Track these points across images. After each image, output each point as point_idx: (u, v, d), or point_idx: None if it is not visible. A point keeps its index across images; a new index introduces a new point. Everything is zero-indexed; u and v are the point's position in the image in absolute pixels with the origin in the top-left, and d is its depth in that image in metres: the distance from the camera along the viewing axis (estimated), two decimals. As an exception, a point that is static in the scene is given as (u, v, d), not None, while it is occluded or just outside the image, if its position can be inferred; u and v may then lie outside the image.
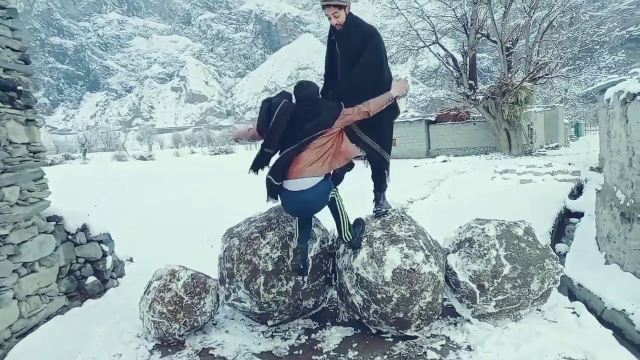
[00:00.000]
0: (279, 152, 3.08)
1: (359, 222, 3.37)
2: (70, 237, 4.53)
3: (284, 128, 2.99)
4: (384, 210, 3.44)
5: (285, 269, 3.30)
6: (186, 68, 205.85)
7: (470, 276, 3.15)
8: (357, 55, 3.15)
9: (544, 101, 30.22)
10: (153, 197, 12.91)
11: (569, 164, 13.80)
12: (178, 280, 3.39)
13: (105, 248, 4.77)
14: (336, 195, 3.21)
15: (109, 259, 4.75)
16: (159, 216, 9.60)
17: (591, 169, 13.75)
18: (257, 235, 3.39)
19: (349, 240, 3.22)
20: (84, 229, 4.66)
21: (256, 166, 3.17)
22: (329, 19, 3.20)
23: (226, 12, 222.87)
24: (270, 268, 3.27)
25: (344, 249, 3.33)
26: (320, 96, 3.22)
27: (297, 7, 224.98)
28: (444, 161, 20.05)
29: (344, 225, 3.23)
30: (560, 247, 6.16)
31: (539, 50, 20.73)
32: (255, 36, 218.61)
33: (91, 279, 4.58)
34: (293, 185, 2.98)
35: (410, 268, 2.97)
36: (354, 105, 3.08)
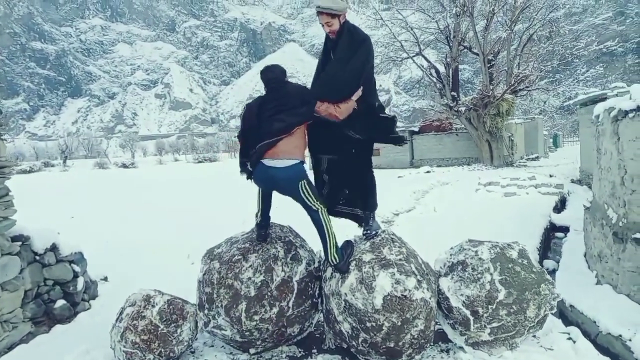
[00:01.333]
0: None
1: (347, 245, 3.20)
2: (37, 257, 4.22)
3: (254, 130, 3.03)
4: (373, 232, 3.26)
5: (269, 294, 3.10)
6: (170, 75, 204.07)
7: (464, 301, 3.01)
8: (348, 60, 3.05)
9: (523, 113, 30.77)
10: (133, 208, 12.53)
11: (550, 176, 13.92)
12: (153, 306, 3.16)
13: (77, 268, 4.47)
14: (322, 211, 3.04)
15: (81, 280, 4.46)
16: (138, 228, 9.26)
17: (572, 181, 13.91)
18: (239, 257, 3.20)
19: (335, 263, 3.04)
20: (53, 248, 4.36)
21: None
22: (322, 27, 3.08)
23: (211, 19, 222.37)
24: (252, 293, 3.07)
25: (332, 273, 3.15)
26: (287, 79, 3.20)
27: (282, 17, 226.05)
28: (428, 172, 20.06)
29: (330, 246, 3.05)
30: (548, 263, 6.10)
31: (519, 63, 21.05)
32: (240, 44, 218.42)
33: (60, 302, 4.28)
34: (268, 160, 2.96)
35: (402, 294, 2.80)
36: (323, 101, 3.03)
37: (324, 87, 3.10)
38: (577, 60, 22.57)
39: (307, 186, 3.01)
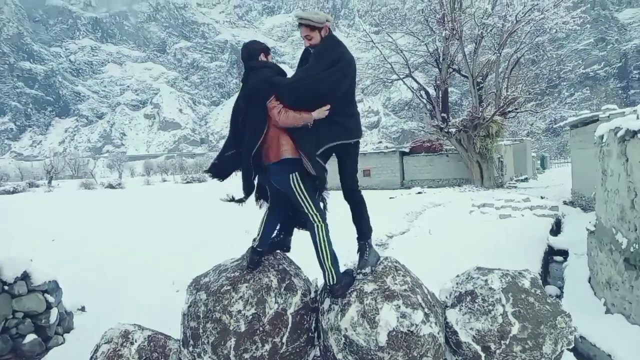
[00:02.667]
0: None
1: (347, 274, 2.95)
2: (6, 287, 3.86)
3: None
4: (368, 268, 2.90)
5: (261, 328, 2.82)
6: (160, 95, 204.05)
7: (474, 336, 2.75)
8: (318, 70, 2.77)
9: (511, 134, 31.10)
10: (117, 230, 12.09)
11: (541, 197, 13.86)
12: (132, 343, 2.85)
13: (51, 299, 4.11)
14: (319, 229, 2.81)
15: (54, 312, 4.09)
16: (121, 252, 8.86)
17: (565, 203, 13.86)
18: (228, 288, 2.92)
19: (332, 283, 2.81)
20: (25, 277, 4.00)
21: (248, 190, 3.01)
22: (303, 40, 2.87)
23: (202, 41, 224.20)
24: (242, 328, 2.78)
25: (330, 305, 2.89)
26: (260, 59, 2.95)
27: (273, 39, 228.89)
28: (419, 193, 19.95)
29: (325, 268, 2.82)
30: (550, 289, 5.87)
31: (508, 85, 21.33)
32: (231, 66, 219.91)
33: (30, 337, 3.89)
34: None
35: (408, 330, 2.55)
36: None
37: (285, 88, 2.78)
38: (564, 83, 22.90)
39: (299, 181, 2.79)
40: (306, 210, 2.82)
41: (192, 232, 11.09)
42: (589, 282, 5.18)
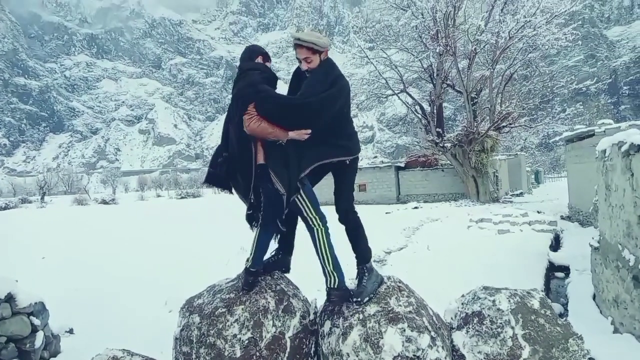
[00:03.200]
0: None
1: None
2: (-11, 310, 3.69)
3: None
4: (366, 296, 2.66)
5: (258, 354, 2.66)
6: (155, 111, 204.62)
7: (483, 360, 2.61)
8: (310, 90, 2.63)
9: (505, 149, 31.31)
10: (110, 247, 11.86)
11: (538, 212, 13.81)
12: (120, 371, 2.68)
13: (36, 321, 3.92)
14: (319, 232, 2.70)
15: (40, 335, 3.90)
16: (113, 270, 8.64)
17: (562, 217, 13.82)
18: (223, 310, 2.76)
19: (332, 286, 2.69)
20: (9, 299, 3.81)
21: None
22: (299, 62, 2.71)
23: (197, 57, 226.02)
24: (238, 354, 2.62)
25: (331, 328, 2.74)
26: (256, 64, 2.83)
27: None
28: (416, 207, 19.88)
29: (327, 266, 2.70)
30: (554, 307, 5.76)
31: (502, 100, 21.50)
32: (226, 81, 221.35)
33: (13, 362, 3.70)
34: None
35: (414, 355, 2.40)
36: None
37: (267, 100, 2.57)
38: (557, 98, 23.16)
39: (299, 185, 2.67)
40: (305, 214, 2.69)
41: (187, 248, 10.89)
42: (594, 299, 5.07)
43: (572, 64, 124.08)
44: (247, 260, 2.87)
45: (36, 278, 7.91)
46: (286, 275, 3.25)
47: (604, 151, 4.08)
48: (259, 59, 2.87)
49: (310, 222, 2.70)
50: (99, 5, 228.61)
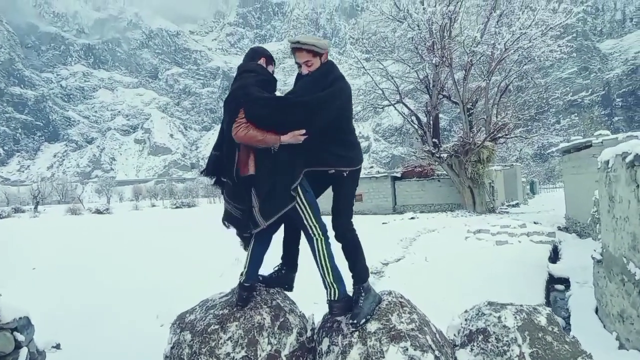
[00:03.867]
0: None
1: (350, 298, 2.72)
2: (-30, 326, 3.52)
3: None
4: (363, 318, 2.51)
5: (252, 374, 2.53)
6: (151, 121, 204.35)
7: (488, 380, 2.49)
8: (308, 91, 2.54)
9: (500, 160, 31.41)
10: (101, 258, 11.64)
11: (535, 223, 13.74)
12: (106, 392, 2.53)
13: (20, 337, 3.75)
14: (319, 242, 2.57)
15: (24, 352, 3.73)
16: (104, 281, 8.45)
17: (559, 228, 13.75)
18: (216, 327, 2.63)
19: (332, 299, 2.58)
20: (-8, 314, 3.66)
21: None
22: (299, 66, 2.62)
23: (194, 67, 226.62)
24: (231, 373, 2.49)
25: (329, 346, 2.61)
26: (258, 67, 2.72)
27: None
28: (412, 218, 19.79)
29: (326, 278, 2.58)
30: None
31: (497, 111, 21.57)
32: (222, 91, 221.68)
33: (-5, 381, 3.54)
34: None
35: (418, 376, 2.28)
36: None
37: (256, 102, 2.43)
38: (552, 109, 23.27)
39: (300, 192, 2.56)
40: (305, 222, 2.57)
41: (180, 259, 10.70)
42: (596, 313, 4.96)
43: (566, 76, 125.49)
44: (241, 275, 2.75)
45: (25, 290, 7.72)
46: (281, 290, 3.13)
47: (607, 162, 4.01)
48: (262, 61, 2.77)
49: (310, 231, 2.58)
50: (96, 16, 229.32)
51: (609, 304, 4.19)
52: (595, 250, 4.87)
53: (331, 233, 2.70)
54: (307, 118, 2.44)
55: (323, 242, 2.57)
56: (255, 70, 2.66)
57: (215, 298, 2.97)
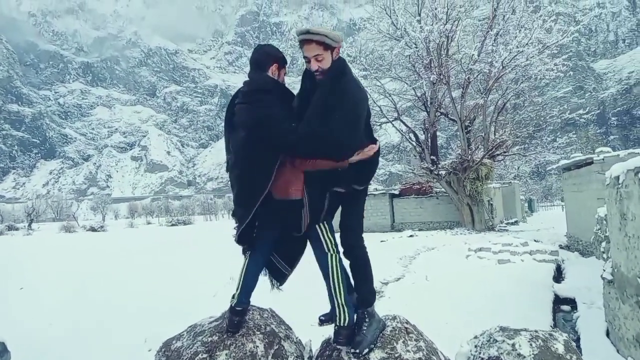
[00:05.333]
0: None
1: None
2: (-60, 353, 3.27)
3: None
4: (366, 347, 2.30)
5: (243, 408, 2.29)
6: (148, 138, 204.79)
7: (504, 416, 2.26)
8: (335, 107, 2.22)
9: (499, 177, 31.36)
10: (92, 277, 11.31)
11: (535, 241, 13.53)
12: None
13: (-6, 365, 3.50)
14: (333, 258, 2.40)
15: (-3, 381, 3.48)
16: (93, 302, 8.14)
17: (561, 247, 13.51)
18: (204, 356, 2.40)
19: (341, 324, 2.34)
20: (-36, 340, 3.41)
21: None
22: (307, 62, 2.30)
23: (192, 85, 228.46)
24: (220, 408, 2.26)
25: (328, 377, 2.38)
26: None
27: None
28: (411, 236, 19.53)
29: (338, 298, 2.35)
30: (564, 343, 5.39)
31: (495, 129, 21.57)
32: (220, 109, 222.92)
33: (-36, 413, 3.26)
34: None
35: (427, 412, 2.05)
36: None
37: (300, 144, 2.19)
38: (550, 127, 23.33)
39: (336, 254, 2.43)
40: (321, 235, 2.40)
41: (173, 278, 10.40)
42: (607, 336, 4.73)
43: (561, 95, 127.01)
44: (233, 297, 2.52)
45: (10, 311, 7.42)
46: (278, 314, 2.90)
47: (617, 178, 3.84)
48: (273, 67, 2.45)
49: (326, 246, 2.39)
50: (95, 34, 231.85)
51: (622, 327, 3.98)
52: (604, 270, 4.67)
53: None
54: (349, 137, 2.27)
55: (338, 258, 2.40)
56: (269, 89, 2.34)
57: (204, 323, 2.74)
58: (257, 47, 2.51)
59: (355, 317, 2.42)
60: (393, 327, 2.47)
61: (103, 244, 23.43)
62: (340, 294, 2.34)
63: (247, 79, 2.46)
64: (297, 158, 2.29)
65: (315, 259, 2.50)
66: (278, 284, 2.73)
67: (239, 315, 2.49)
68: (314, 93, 2.32)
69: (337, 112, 2.19)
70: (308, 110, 2.26)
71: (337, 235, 2.49)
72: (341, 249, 2.50)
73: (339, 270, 2.37)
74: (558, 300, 7.21)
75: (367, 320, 2.42)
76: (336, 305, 2.38)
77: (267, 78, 2.42)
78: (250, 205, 2.28)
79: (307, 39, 2.24)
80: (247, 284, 2.50)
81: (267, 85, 2.35)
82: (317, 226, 2.38)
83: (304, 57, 2.30)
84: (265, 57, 2.44)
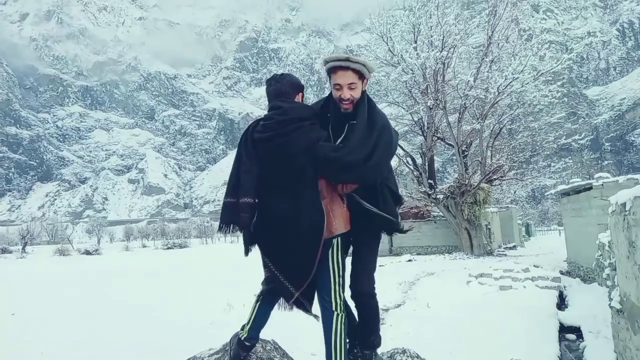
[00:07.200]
0: None
1: None
2: None
3: None
4: None
5: None
6: (145, 161, 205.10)
7: None
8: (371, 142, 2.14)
9: (496, 202, 31.38)
10: (85, 303, 11.06)
11: (534, 266, 13.40)
12: None
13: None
14: (339, 318, 2.19)
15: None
16: (84, 329, 7.90)
17: (561, 273, 13.38)
18: (204, 392, 2.29)
19: None
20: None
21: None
22: (337, 89, 2.16)
23: (190, 109, 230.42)
24: None
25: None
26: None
27: (260, 108, 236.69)
28: (410, 260, 19.37)
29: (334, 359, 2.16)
30: (572, 374, 5.26)
31: (492, 153, 21.71)
32: (218, 132, 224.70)
33: None
34: None
35: None
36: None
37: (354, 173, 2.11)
38: (546, 152, 23.47)
39: (339, 249, 2.25)
40: (332, 288, 2.20)
41: (169, 303, 10.17)
42: (617, 368, 4.60)
43: (555, 121, 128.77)
44: (242, 329, 2.37)
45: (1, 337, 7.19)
46: (279, 345, 2.79)
47: (624, 205, 3.80)
48: (299, 97, 2.39)
49: (333, 304, 2.19)
50: (95, 59, 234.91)
51: (635, 359, 3.86)
52: (612, 299, 4.57)
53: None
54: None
55: (344, 320, 2.20)
56: (310, 118, 2.23)
57: (204, 356, 2.63)
58: (277, 77, 2.40)
59: None
60: (402, 361, 2.38)
61: (97, 268, 23.08)
62: (340, 356, 2.16)
63: (275, 108, 2.31)
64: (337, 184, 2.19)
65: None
66: (286, 304, 2.39)
67: (247, 350, 2.36)
68: (337, 121, 2.24)
69: (381, 143, 2.14)
70: (351, 140, 2.12)
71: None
72: (348, 293, 2.32)
73: (343, 333, 2.18)
74: (563, 329, 7.06)
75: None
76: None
77: (304, 105, 2.36)
78: (314, 249, 2.08)
79: (345, 66, 2.13)
80: (258, 321, 2.37)
81: (305, 114, 2.24)
82: (331, 274, 2.19)
83: (335, 84, 2.18)
84: (291, 87, 2.35)
